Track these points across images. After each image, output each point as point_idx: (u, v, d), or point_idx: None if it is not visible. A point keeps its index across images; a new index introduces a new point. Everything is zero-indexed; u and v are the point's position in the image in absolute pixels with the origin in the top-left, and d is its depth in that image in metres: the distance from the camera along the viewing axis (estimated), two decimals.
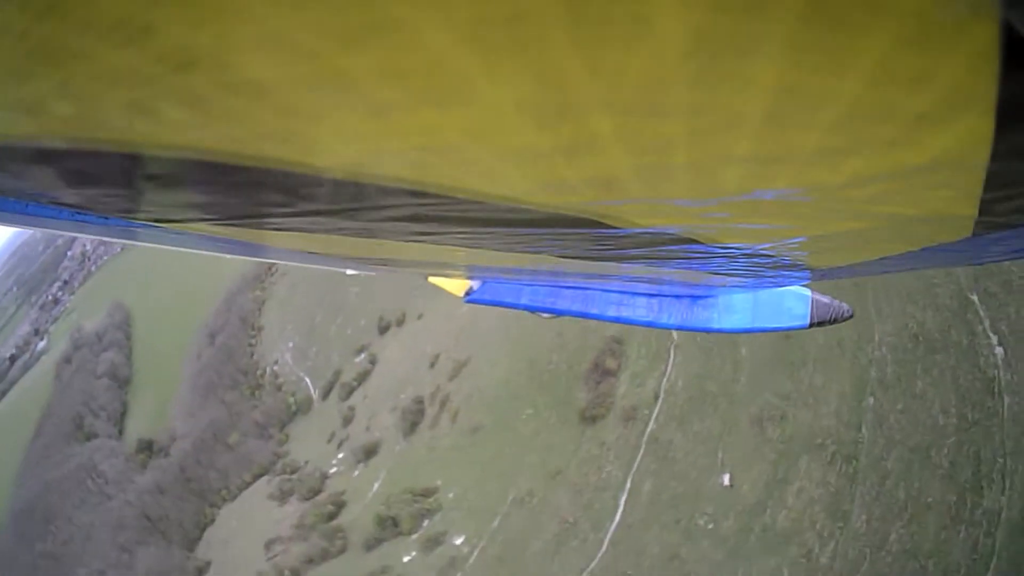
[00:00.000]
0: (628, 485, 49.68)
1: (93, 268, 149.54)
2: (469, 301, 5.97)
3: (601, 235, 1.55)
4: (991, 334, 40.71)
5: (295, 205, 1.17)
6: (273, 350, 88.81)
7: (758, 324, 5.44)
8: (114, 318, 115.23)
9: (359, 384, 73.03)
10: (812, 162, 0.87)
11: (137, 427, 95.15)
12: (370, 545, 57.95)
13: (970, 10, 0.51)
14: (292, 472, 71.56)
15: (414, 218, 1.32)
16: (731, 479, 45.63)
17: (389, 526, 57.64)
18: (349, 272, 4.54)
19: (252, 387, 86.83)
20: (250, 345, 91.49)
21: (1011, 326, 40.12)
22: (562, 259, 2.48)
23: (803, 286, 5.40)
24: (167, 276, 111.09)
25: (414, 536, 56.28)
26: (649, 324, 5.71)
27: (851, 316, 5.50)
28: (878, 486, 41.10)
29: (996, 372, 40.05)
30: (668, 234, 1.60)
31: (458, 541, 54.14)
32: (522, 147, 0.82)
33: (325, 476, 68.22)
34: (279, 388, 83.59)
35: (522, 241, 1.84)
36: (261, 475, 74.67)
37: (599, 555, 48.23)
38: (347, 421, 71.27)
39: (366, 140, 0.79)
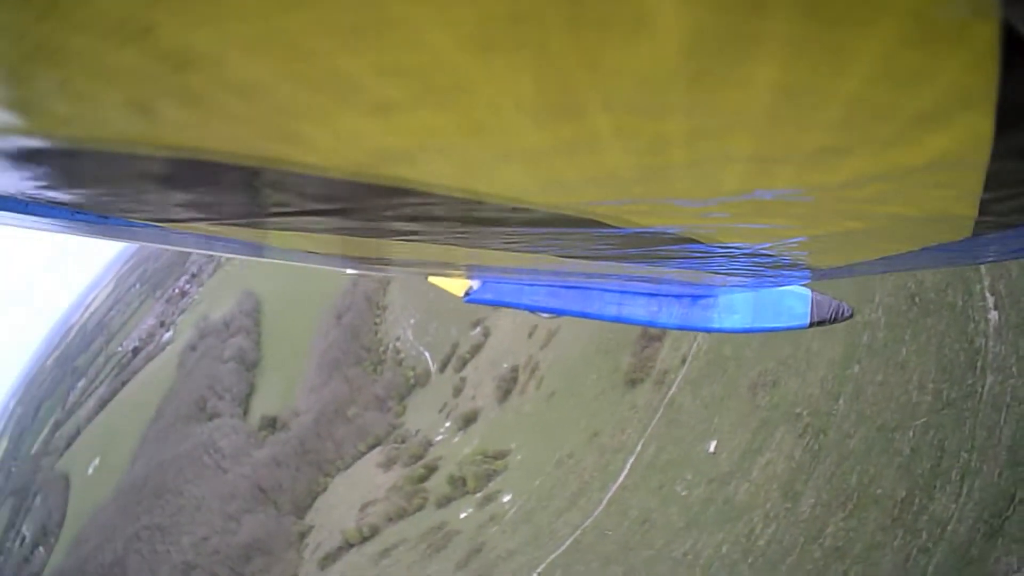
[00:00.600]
0: (638, 448, 47.82)
1: (223, 260, 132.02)
2: (469, 301, 5.99)
3: (601, 235, 1.55)
4: (988, 295, 33.15)
5: (295, 205, 1.18)
6: (396, 327, 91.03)
7: (758, 324, 5.46)
8: (243, 306, 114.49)
9: (472, 356, 74.64)
10: (812, 162, 0.87)
11: (263, 406, 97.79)
12: (441, 503, 60.79)
13: (970, 10, 0.50)
14: (402, 441, 74.87)
15: (414, 218, 1.33)
16: (716, 446, 42.81)
17: (459, 486, 60.34)
18: (349, 271, 4.64)
19: (375, 363, 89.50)
20: (375, 323, 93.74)
21: (1010, 286, 32.41)
22: (562, 259, 2.49)
23: (803, 286, 5.39)
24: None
25: (478, 495, 58.27)
26: (649, 324, 5.75)
27: (851, 316, 5.57)
28: (835, 467, 35.78)
29: (984, 342, 32.63)
30: (668, 234, 1.59)
31: (506, 499, 55.55)
32: (522, 147, 0.81)
33: (430, 444, 70.96)
34: (400, 363, 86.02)
35: (522, 241, 1.84)
36: (376, 445, 77.36)
37: (594, 514, 47.14)
38: (457, 392, 73.60)
39: (366, 140, 0.78)
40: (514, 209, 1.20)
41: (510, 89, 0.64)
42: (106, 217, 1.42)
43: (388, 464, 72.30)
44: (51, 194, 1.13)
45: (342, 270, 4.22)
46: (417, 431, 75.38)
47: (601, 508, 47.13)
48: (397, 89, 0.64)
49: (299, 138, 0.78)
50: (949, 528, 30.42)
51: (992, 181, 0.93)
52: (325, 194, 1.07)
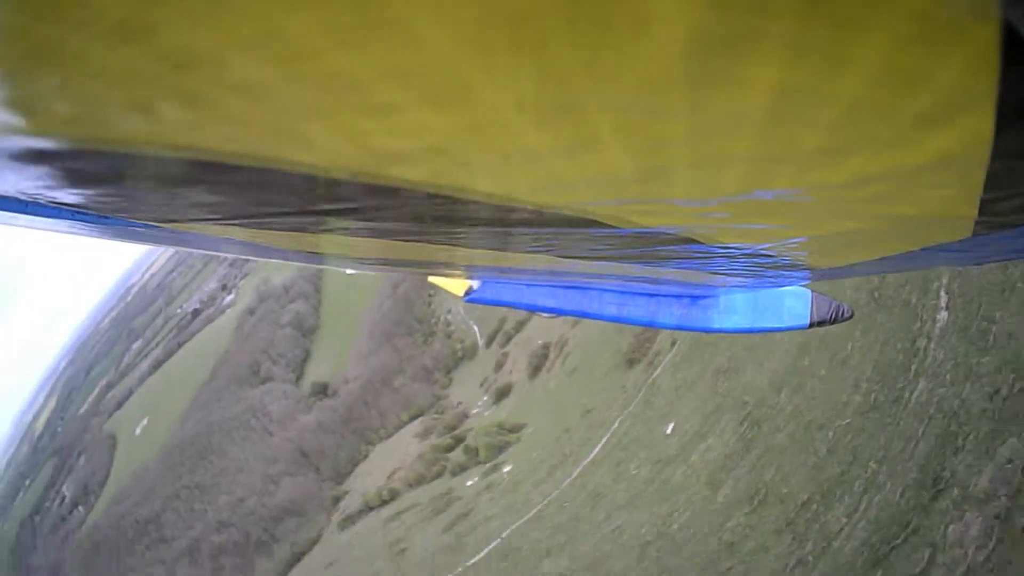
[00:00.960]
0: (615, 426, 46.67)
1: None
2: (469, 301, 6.00)
3: (601, 235, 1.55)
4: (943, 294, 29.89)
5: (295, 205, 1.19)
6: (448, 300, 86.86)
7: (758, 324, 5.43)
8: (304, 271, 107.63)
9: (516, 332, 73.65)
10: (812, 162, 0.87)
11: (316, 372, 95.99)
12: (455, 472, 61.54)
13: (970, 10, 0.50)
14: (442, 413, 74.73)
15: (414, 218, 1.33)
16: (673, 428, 41.54)
17: (473, 456, 60.91)
18: (349, 272, 4.72)
19: (425, 334, 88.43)
20: (429, 295, 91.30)
21: (965, 286, 29.24)
22: (562, 259, 2.49)
23: (803, 286, 5.36)
24: None
25: (487, 465, 58.54)
26: (649, 324, 5.76)
27: (851, 316, 5.55)
28: (758, 459, 33.96)
29: (925, 344, 29.57)
30: (668, 234, 1.59)
31: (506, 470, 55.84)
32: (522, 147, 0.81)
33: (466, 416, 70.75)
34: (449, 335, 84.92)
35: (522, 241, 1.85)
36: (418, 416, 76.62)
37: (562, 487, 46.70)
38: (499, 366, 72.91)
39: (366, 140, 0.78)
40: (514, 209, 1.19)
41: (510, 89, 0.63)
42: (107, 217, 1.41)
43: (425, 434, 72.41)
44: (52, 194, 1.13)
45: (342, 270, 4.22)
46: (458, 403, 75.19)
47: (569, 481, 46.56)
48: (397, 89, 0.63)
49: (299, 138, 0.77)
50: (835, 544, 27.94)
51: (992, 181, 0.92)
52: (325, 195, 1.07)
